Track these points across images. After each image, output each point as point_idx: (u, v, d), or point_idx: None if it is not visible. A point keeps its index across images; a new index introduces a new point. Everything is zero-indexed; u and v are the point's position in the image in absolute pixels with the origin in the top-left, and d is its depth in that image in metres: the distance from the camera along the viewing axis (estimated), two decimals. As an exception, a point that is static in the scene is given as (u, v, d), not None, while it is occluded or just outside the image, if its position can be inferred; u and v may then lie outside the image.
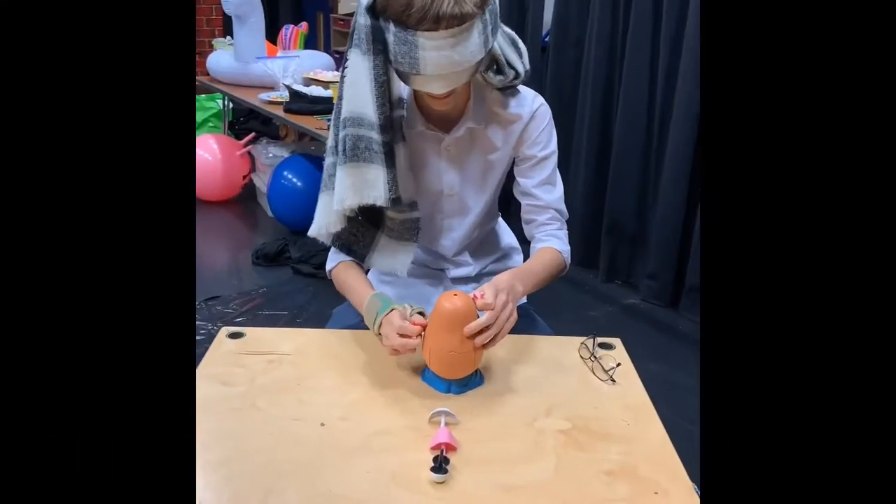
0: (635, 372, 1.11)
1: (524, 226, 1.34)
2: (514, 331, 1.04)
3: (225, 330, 1.19)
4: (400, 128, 1.17)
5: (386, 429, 0.96)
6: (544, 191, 1.30)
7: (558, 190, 1.31)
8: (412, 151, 1.21)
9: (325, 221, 1.19)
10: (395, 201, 1.15)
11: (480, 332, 1.00)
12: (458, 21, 0.99)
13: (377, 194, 1.11)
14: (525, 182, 1.29)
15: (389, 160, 1.13)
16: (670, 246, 2.75)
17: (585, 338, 1.19)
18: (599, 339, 1.19)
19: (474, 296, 1.02)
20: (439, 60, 1.01)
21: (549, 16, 3.11)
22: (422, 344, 1.03)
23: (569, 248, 1.30)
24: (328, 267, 1.29)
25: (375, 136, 1.10)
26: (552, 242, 1.28)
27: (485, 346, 1.01)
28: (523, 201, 1.31)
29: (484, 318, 1.00)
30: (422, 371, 1.07)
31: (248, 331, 1.19)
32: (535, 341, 1.20)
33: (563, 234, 1.31)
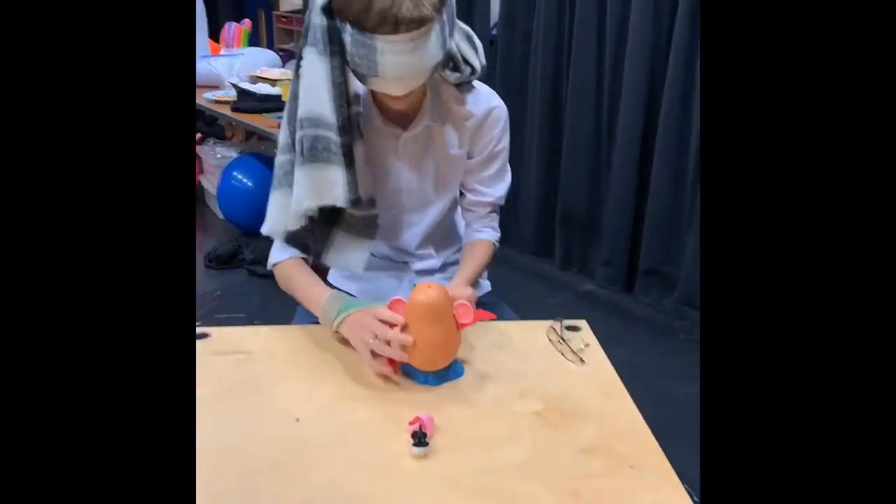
0: (602, 352, 1.13)
1: (462, 213, 1.38)
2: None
3: None
4: (357, 125, 1.16)
5: (363, 420, 0.96)
6: (489, 186, 1.33)
7: (504, 185, 1.35)
8: (370, 148, 1.20)
9: (280, 219, 1.17)
10: (355, 201, 1.14)
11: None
12: (417, 25, 0.99)
13: (336, 195, 1.11)
14: (471, 177, 1.32)
15: (348, 160, 1.12)
16: (623, 232, 2.81)
17: (552, 321, 1.21)
18: (566, 322, 1.21)
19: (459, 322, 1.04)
20: (398, 64, 1.01)
21: (496, 9, 3.13)
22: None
23: (499, 232, 1.38)
24: (272, 261, 1.25)
25: (334, 136, 1.09)
26: (488, 234, 1.35)
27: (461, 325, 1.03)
28: (467, 194, 1.34)
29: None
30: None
31: (213, 331, 1.17)
32: (503, 327, 1.21)
33: (497, 221, 1.38)
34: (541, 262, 3.14)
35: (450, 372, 1.05)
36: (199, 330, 1.17)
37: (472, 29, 1.24)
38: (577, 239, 3.04)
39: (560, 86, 2.97)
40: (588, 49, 2.79)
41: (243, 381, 1.04)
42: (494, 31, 3.19)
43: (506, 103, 1.30)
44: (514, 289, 2.87)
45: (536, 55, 2.97)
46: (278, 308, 1.42)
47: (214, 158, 3.53)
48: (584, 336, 1.18)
